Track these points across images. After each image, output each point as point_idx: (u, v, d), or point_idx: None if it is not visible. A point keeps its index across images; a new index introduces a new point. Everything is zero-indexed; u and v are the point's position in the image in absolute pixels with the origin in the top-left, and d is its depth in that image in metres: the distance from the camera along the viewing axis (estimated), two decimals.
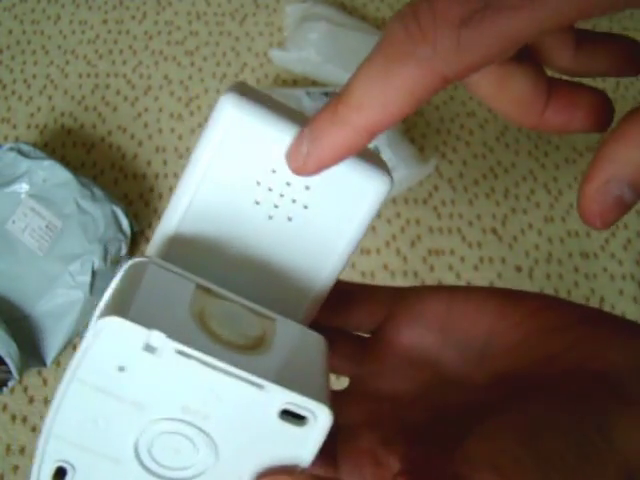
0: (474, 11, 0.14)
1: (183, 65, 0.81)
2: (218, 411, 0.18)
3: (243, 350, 0.18)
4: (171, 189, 0.72)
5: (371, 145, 0.68)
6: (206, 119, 0.79)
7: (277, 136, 0.20)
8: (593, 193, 0.17)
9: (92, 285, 0.61)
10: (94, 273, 0.61)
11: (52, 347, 0.60)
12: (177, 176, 0.73)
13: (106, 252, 0.61)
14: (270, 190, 0.21)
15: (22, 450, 0.57)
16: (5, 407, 0.59)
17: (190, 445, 0.18)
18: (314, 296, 0.22)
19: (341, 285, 0.23)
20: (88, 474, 0.18)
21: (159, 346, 0.17)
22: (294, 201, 0.21)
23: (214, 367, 0.17)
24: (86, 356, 0.17)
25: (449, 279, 0.69)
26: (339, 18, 0.81)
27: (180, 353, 0.17)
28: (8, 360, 0.55)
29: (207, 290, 0.20)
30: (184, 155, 0.74)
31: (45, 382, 0.60)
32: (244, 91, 0.20)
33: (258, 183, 0.20)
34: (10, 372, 0.56)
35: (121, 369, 0.17)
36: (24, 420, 0.59)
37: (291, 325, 0.21)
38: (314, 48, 0.77)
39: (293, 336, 0.20)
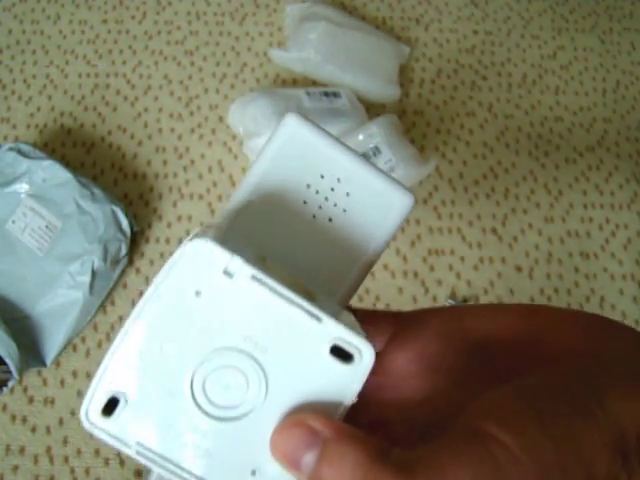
0: None
1: (183, 65, 0.81)
2: (276, 342, 0.19)
3: (302, 294, 0.20)
4: (171, 189, 0.72)
5: (371, 144, 0.67)
6: (206, 119, 0.79)
7: (326, 148, 0.24)
8: None
9: (92, 285, 0.61)
10: (94, 273, 0.61)
11: (52, 347, 0.60)
12: (177, 176, 0.73)
13: (106, 252, 0.61)
14: (317, 193, 0.24)
15: (22, 450, 0.57)
16: (5, 407, 0.59)
17: (243, 380, 0.19)
18: (345, 288, 0.25)
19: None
20: (139, 407, 0.19)
21: (236, 271, 0.19)
22: (335, 205, 0.24)
23: (281, 295, 0.19)
24: (169, 275, 0.19)
25: (449, 279, 0.69)
26: (339, 18, 0.81)
27: (254, 279, 0.19)
28: (8, 360, 0.55)
29: (262, 257, 0.22)
30: (184, 155, 0.74)
31: (45, 382, 0.60)
32: (303, 115, 0.24)
33: (308, 185, 0.24)
34: (10, 372, 0.56)
35: (197, 293, 0.19)
36: (24, 420, 0.59)
37: (330, 301, 0.23)
38: (314, 48, 0.77)
39: (333, 305, 0.23)
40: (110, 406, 0.19)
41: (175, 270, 0.19)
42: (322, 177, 0.24)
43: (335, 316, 0.21)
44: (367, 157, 0.68)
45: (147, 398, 0.19)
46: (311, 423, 0.18)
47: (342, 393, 0.20)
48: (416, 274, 0.69)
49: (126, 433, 0.19)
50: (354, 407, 0.24)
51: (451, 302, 0.68)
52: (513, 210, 0.74)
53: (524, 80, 0.84)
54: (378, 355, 0.22)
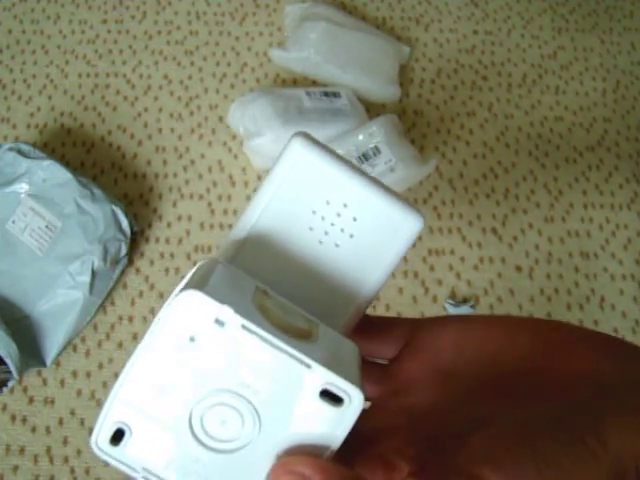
0: None
1: (183, 65, 0.81)
2: (267, 386, 0.20)
3: (294, 337, 0.21)
4: (171, 189, 0.72)
5: (371, 144, 0.67)
6: (206, 119, 0.79)
7: (332, 173, 0.24)
8: None
9: (92, 285, 0.61)
10: (94, 273, 0.61)
11: (52, 347, 0.60)
12: (177, 176, 0.73)
13: (106, 252, 0.61)
14: (323, 219, 0.24)
15: (22, 450, 0.57)
16: (5, 407, 0.59)
17: (238, 418, 0.20)
18: (352, 313, 0.25)
19: (364, 319, 0.26)
20: (143, 438, 0.20)
21: (227, 320, 0.20)
22: (342, 230, 0.24)
23: (271, 343, 0.20)
24: (164, 324, 0.20)
25: (449, 279, 0.69)
26: (339, 18, 0.81)
27: (244, 328, 0.20)
28: (8, 360, 0.55)
29: (264, 291, 0.23)
30: (184, 155, 0.74)
31: (45, 382, 0.60)
32: (309, 137, 0.24)
33: (314, 212, 0.24)
34: (10, 372, 0.56)
35: (192, 339, 0.20)
36: (24, 420, 0.59)
37: (331, 331, 0.23)
38: (314, 48, 0.77)
39: (333, 337, 0.23)
40: (117, 436, 0.20)
41: (170, 318, 0.20)
42: (328, 203, 0.24)
43: (330, 353, 0.21)
44: (367, 157, 0.68)
45: (150, 431, 0.20)
46: (300, 469, 0.19)
47: (332, 433, 0.20)
48: (416, 274, 0.69)
49: (133, 460, 0.21)
50: (370, 417, 0.25)
51: (451, 302, 0.68)
52: (513, 210, 0.74)
53: (524, 80, 0.84)
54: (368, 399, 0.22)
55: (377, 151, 0.68)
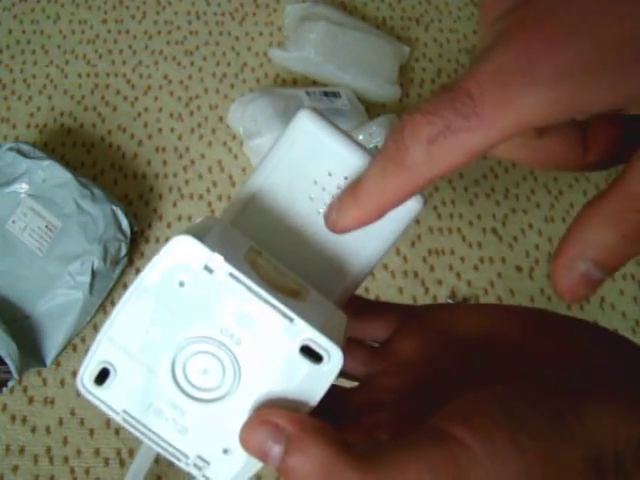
0: (438, 132, 0.18)
1: (183, 65, 0.81)
2: (250, 337, 0.20)
3: (282, 293, 0.21)
4: (171, 189, 0.72)
5: (371, 144, 0.67)
6: (206, 119, 0.79)
7: (335, 146, 0.24)
8: (561, 269, 0.19)
9: (92, 285, 0.61)
10: (94, 273, 0.60)
11: (52, 347, 0.60)
12: (177, 176, 0.73)
13: (106, 252, 0.61)
14: (324, 190, 0.25)
15: (22, 450, 0.57)
16: (5, 407, 0.59)
17: (220, 367, 0.21)
18: (345, 286, 0.25)
19: (359, 301, 0.27)
20: (126, 379, 0.21)
21: (216, 268, 0.20)
22: None
23: (256, 294, 0.20)
24: (156, 266, 0.20)
25: (449, 279, 0.69)
26: (339, 18, 0.81)
27: (232, 276, 0.20)
28: (8, 360, 0.55)
29: (258, 251, 0.23)
30: (184, 155, 0.74)
31: (45, 382, 0.60)
32: (317, 111, 0.25)
33: (315, 182, 0.25)
34: (10, 372, 0.56)
35: (181, 284, 0.20)
36: (24, 420, 0.59)
37: (321, 297, 0.24)
38: (314, 48, 0.77)
39: (322, 303, 0.23)
40: (102, 376, 0.21)
41: (162, 261, 0.20)
42: (330, 175, 0.24)
43: (316, 313, 0.21)
44: None
45: (133, 373, 0.21)
46: (275, 420, 0.19)
47: (310, 390, 0.21)
48: (416, 274, 0.69)
49: (114, 401, 0.21)
50: (358, 393, 0.26)
51: (451, 302, 0.68)
52: (513, 210, 0.74)
53: None
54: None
55: (377, 151, 0.68)
